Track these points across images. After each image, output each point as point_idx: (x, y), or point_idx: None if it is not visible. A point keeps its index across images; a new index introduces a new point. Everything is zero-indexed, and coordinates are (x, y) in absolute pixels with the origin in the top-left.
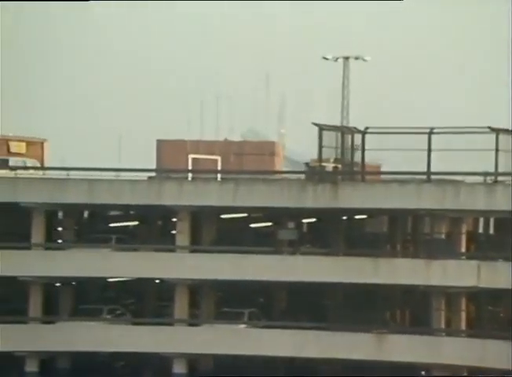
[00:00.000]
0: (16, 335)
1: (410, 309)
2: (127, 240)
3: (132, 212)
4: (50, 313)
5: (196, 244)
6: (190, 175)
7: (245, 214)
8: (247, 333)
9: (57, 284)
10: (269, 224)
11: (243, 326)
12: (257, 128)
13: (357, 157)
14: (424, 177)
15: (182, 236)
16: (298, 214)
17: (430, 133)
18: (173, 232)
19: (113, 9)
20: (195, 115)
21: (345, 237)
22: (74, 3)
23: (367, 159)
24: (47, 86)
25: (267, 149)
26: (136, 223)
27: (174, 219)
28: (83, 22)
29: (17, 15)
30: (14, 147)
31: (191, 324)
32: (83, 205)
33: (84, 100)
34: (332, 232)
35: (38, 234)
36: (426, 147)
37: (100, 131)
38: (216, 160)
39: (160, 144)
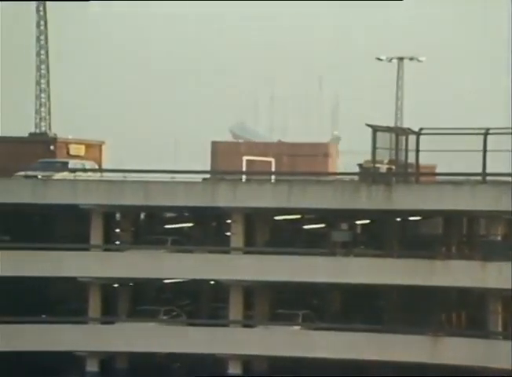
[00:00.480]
0: (76, 335)
1: (466, 311)
2: (182, 242)
3: (187, 214)
4: (109, 314)
5: (250, 246)
6: (244, 177)
7: (298, 216)
8: (301, 335)
9: (115, 285)
10: (323, 225)
11: (297, 328)
12: (246, 122)
13: (411, 158)
14: (479, 178)
15: (236, 237)
16: (351, 215)
17: (486, 134)
18: (228, 233)
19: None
20: (249, 117)
21: (400, 239)
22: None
23: (421, 160)
24: (103, 89)
25: (320, 150)
26: (191, 224)
27: (228, 221)
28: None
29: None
30: (73, 149)
31: (245, 326)
32: (139, 207)
33: (140, 102)
34: (386, 233)
35: (96, 236)
36: (482, 148)
37: (156, 133)
38: (270, 162)
39: (215, 145)
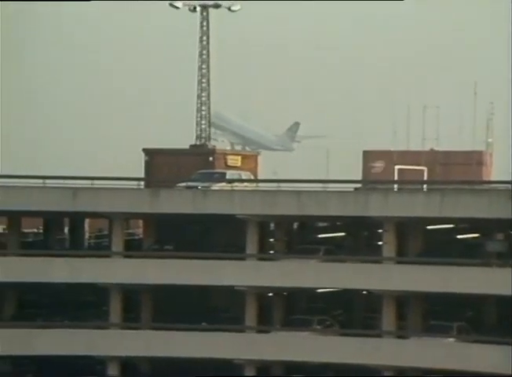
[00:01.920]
0: (233, 343)
1: None
2: (335, 251)
3: (339, 223)
4: (264, 322)
5: (402, 255)
6: (396, 186)
7: (451, 225)
8: (456, 347)
9: (270, 294)
10: (477, 235)
11: (451, 340)
12: (223, 113)
13: None
14: None
15: (388, 247)
16: (507, 225)
17: None
18: (379, 243)
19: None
20: (401, 125)
21: None
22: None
23: None
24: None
25: (474, 159)
26: (343, 234)
27: (380, 230)
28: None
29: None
30: (231, 160)
31: (398, 337)
32: (293, 216)
33: None
34: None
35: (251, 245)
36: None
37: (307, 144)
38: (422, 171)
39: (366, 154)
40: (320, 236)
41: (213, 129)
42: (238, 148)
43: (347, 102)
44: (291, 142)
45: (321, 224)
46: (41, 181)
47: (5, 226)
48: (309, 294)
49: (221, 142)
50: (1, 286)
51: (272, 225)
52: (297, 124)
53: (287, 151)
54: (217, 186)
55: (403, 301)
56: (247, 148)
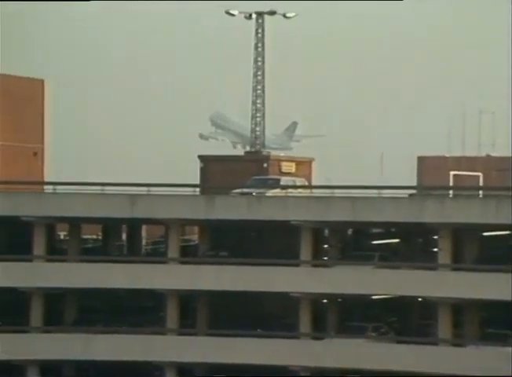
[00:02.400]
0: (288, 350)
1: None
2: (389, 258)
3: (393, 229)
4: (318, 329)
5: (458, 262)
6: (451, 192)
7: (508, 232)
8: None
9: (324, 301)
10: None
11: (510, 349)
12: (224, 112)
13: None
14: None
15: (444, 253)
16: None
17: None
18: (435, 249)
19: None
20: (457, 131)
21: None
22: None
23: None
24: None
25: None
26: (397, 240)
27: (436, 237)
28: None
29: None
30: (285, 167)
31: (454, 345)
32: (347, 222)
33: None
34: None
35: (305, 251)
36: None
37: (362, 148)
38: (478, 176)
39: (421, 160)
40: (374, 242)
41: (213, 129)
42: (239, 147)
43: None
44: (289, 141)
45: (376, 230)
46: (100, 187)
47: (66, 233)
48: (363, 300)
49: (221, 141)
50: (62, 291)
51: (326, 231)
52: (295, 124)
53: (286, 149)
54: (271, 192)
55: (459, 308)
56: (247, 147)
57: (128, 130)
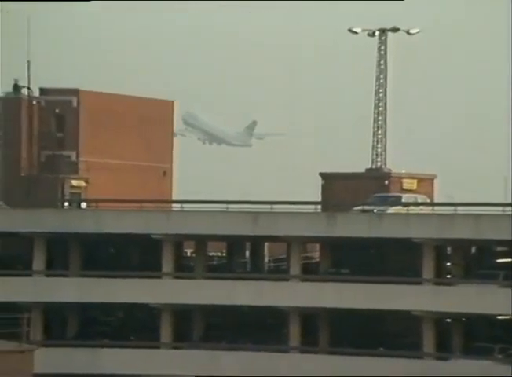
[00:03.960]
0: (411, 369)
1: None
2: None
3: None
4: (443, 349)
5: None
6: None
7: None
8: None
9: (448, 320)
10: None
11: None
12: (195, 112)
13: None
14: None
15: None
16: None
17: None
18: None
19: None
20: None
21: None
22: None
23: None
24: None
25: None
26: None
27: None
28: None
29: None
30: (406, 184)
31: None
32: (470, 240)
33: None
34: None
35: (428, 269)
36: None
37: (486, 167)
38: None
39: None
40: (499, 260)
41: (184, 127)
42: (206, 143)
43: None
44: (249, 138)
45: (500, 248)
46: (224, 205)
47: (192, 250)
48: (489, 320)
49: (188, 138)
50: (189, 308)
51: (449, 249)
52: (254, 122)
53: (246, 146)
54: (392, 210)
55: None
56: (215, 143)
57: None
